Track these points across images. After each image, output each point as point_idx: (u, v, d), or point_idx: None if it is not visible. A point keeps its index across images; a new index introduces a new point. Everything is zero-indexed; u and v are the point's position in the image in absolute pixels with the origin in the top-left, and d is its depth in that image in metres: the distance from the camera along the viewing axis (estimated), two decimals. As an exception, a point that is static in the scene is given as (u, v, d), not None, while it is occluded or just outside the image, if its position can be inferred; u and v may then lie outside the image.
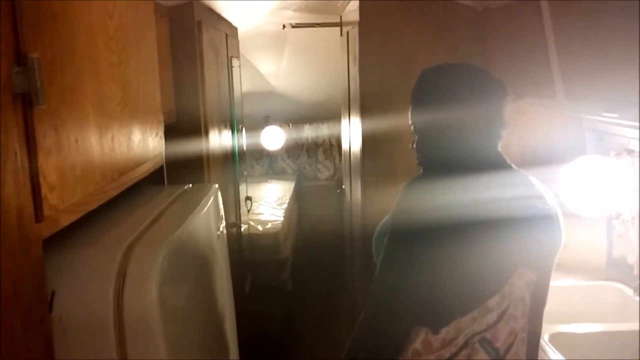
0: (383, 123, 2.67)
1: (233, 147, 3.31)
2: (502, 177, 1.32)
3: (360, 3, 2.63)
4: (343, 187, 4.01)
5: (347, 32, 3.35)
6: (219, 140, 2.81)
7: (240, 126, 3.65)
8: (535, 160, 2.61)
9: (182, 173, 2.44)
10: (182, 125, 2.40)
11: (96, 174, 1.09)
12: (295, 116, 5.62)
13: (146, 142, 1.45)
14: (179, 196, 1.41)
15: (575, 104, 1.85)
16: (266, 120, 5.54)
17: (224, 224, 1.57)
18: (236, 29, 3.70)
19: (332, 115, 4.95)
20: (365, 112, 2.69)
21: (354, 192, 3.08)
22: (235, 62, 3.39)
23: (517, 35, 2.25)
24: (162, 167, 1.66)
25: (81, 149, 1.01)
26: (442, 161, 1.35)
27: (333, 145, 5.73)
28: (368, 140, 2.70)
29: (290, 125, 5.67)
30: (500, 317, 1.20)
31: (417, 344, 1.20)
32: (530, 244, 1.26)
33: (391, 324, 1.21)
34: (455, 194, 1.25)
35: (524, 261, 1.24)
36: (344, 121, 3.74)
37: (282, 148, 5.66)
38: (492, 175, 1.30)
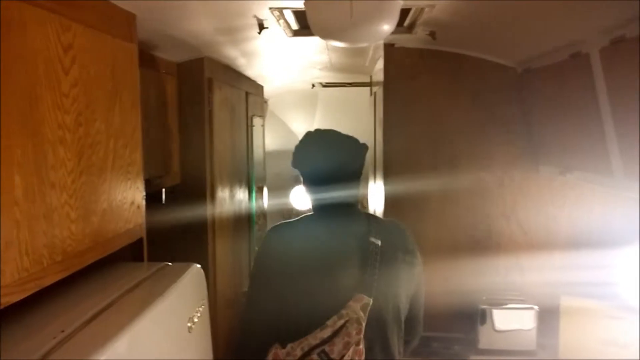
0: (406, 190, 2.42)
1: (250, 208, 3.10)
2: (346, 222, 1.58)
3: (384, 63, 2.44)
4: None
5: (375, 93, 3.16)
6: (230, 202, 2.60)
7: (260, 186, 3.46)
8: (588, 241, 2.28)
9: (184, 239, 2.24)
10: (187, 187, 2.21)
11: (22, 257, 0.87)
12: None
13: (114, 215, 1.24)
14: (144, 280, 1.18)
15: (636, 185, 1.55)
16: (296, 179, 5.35)
17: (204, 309, 1.32)
18: (261, 87, 3.57)
19: (364, 176, 4.72)
20: (388, 177, 2.44)
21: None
22: (257, 120, 3.24)
23: (564, 100, 1.99)
24: (140, 240, 1.44)
25: (4, 226, 0.81)
26: (311, 202, 1.64)
27: (365, 208, 5.47)
28: (390, 207, 2.44)
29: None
30: (335, 334, 1.44)
31: (270, 356, 1.47)
32: (365, 274, 1.49)
33: (252, 343, 1.51)
34: (301, 237, 1.57)
35: (361, 287, 1.47)
36: (372, 183, 3.50)
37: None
38: (337, 220, 1.57)
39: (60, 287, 1.08)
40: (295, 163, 1.62)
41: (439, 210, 2.42)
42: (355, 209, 1.62)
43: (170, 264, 1.36)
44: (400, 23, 2.08)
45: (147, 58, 1.88)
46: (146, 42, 1.82)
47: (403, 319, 1.58)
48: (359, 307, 1.47)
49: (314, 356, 1.44)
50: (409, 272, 1.59)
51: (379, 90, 2.96)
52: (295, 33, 2.16)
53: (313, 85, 4.17)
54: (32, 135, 0.92)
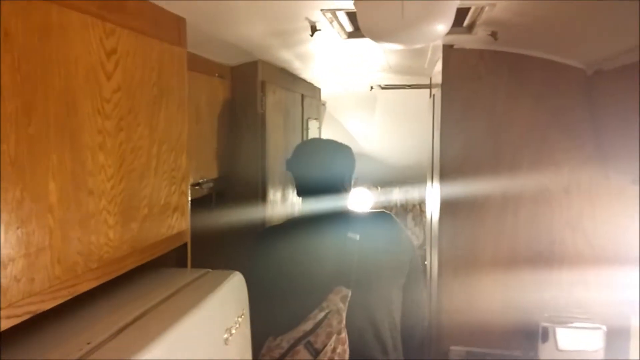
0: (463, 196, 2.31)
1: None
2: (328, 222, 1.73)
3: (443, 64, 2.34)
4: (425, 262, 3.60)
5: (433, 95, 3.05)
6: (282, 205, 2.59)
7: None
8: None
9: (234, 243, 2.24)
10: (238, 190, 2.21)
11: (54, 265, 0.87)
12: (385, 179, 5.34)
13: (156, 221, 1.24)
14: (182, 289, 1.16)
15: None
16: (354, 182, 5.30)
17: (243, 319, 1.29)
18: (318, 89, 3.55)
19: (423, 179, 4.61)
20: (444, 182, 2.34)
21: (432, 271, 2.69)
22: (313, 123, 3.21)
23: (638, 106, 1.83)
24: (185, 245, 1.43)
25: (36, 233, 0.81)
26: (302, 203, 1.83)
27: (423, 212, 5.35)
28: (446, 213, 2.34)
29: (379, 188, 5.39)
30: (317, 325, 1.58)
31: (264, 349, 1.61)
32: (346, 267, 1.64)
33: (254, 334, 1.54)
34: (285, 238, 1.73)
35: (340, 281, 1.62)
36: (429, 188, 3.39)
37: (369, 211, 5.37)
38: (320, 221, 1.74)
39: (99, 292, 1.08)
40: (289, 167, 1.83)
41: (498, 218, 2.29)
42: (340, 209, 1.80)
43: (211, 270, 1.34)
44: (459, 23, 1.98)
45: (199, 62, 1.89)
46: (198, 46, 1.82)
47: (396, 306, 1.71)
48: (338, 299, 1.63)
49: (300, 347, 1.59)
50: (395, 259, 1.74)
51: (437, 92, 2.86)
52: (350, 35, 2.11)
53: (372, 88, 4.10)
54: (70, 141, 0.92)
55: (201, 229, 2.19)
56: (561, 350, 2.17)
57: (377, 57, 2.80)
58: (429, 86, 3.64)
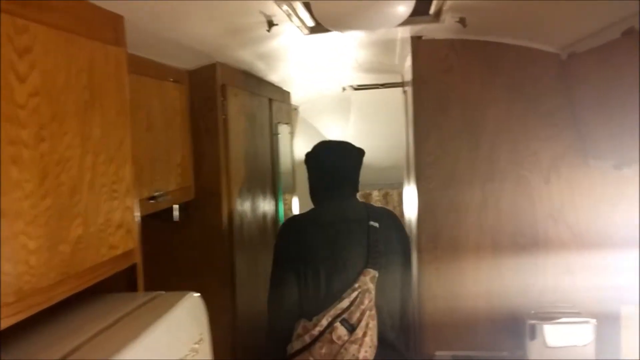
0: (442, 193, 2.20)
1: (277, 220, 2.95)
2: (349, 211, 1.92)
3: (412, 57, 2.24)
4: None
5: (405, 92, 2.95)
6: (253, 215, 2.45)
7: (289, 196, 3.31)
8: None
9: (200, 259, 2.10)
10: (202, 202, 2.07)
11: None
12: (363, 182, 5.21)
13: (93, 241, 1.10)
14: (126, 316, 1.02)
15: None
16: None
17: (201, 345, 1.16)
18: (287, 93, 3.42)
19: (401, 180, 4.50)
20: (421, 180, 2.23)
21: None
22: (283, 128, 3.09)
23: (616, 86, 1.74)
24: (135, 267, 1.29)
25: None
26: (315, 203, 2.01)
27: (402, 214, 5.23)
28: (425, 211, 2.22)
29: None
30: (352, 303, 1.76)
31: (299, 329, 1.78)
32: (372, 251, 1.83)
33: (282, 320, 1.82)
34: (313, 225, 1.89)
35: (369, 263, 1.81)
36: (407, 189, 3.29)
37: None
38: (342, 210, 1.92)
39: (30, 326, 0.94)
40: (309, 162, 2.05)
41: (479, 213, 2.18)
42: (355, 200, 2.01)
43: (164, 293, 1.20)
44: (425, 11, 1.88)
45: (149, 65, 1.75)
46: (147, 48, 1.69)
47: (401, 285, 1.92)
48: (368, 280, 1.81)
49: (337, 324, 1.75)
50: (403, 245, 1.96)
51: (409, 88, 2.76)
52: (313, 30, 1.99)
53: (344, 89, 3.99)
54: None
55: (162, 247, 2.06)
56: (550, 347, 2.06)
57: (345, 55, 2.69)
58: (402, 84, 3.54)
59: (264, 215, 2.67)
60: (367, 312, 1.77)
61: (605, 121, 1.88)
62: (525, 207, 2.16)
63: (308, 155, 2.07)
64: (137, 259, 1.29)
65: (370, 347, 1.77)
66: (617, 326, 2.00)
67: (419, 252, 2.22)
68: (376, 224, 1.88)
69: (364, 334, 1.76)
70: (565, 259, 2.13)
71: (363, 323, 1.76)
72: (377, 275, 1.81)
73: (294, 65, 2.77)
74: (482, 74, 2.17)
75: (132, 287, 1.30)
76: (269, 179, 2.79)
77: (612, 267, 2.08)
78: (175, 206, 2.01)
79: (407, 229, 3.16)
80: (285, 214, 3.09)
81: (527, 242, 2.16)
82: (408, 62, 2.76)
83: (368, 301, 1.78)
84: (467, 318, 2.19)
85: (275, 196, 2.89)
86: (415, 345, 2.31)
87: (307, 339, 1.76)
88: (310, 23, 1.92)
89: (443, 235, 2.20)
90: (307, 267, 1.80)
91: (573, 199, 2.13)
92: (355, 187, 2.03)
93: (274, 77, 2.90)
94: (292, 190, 3.41)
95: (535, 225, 2.15)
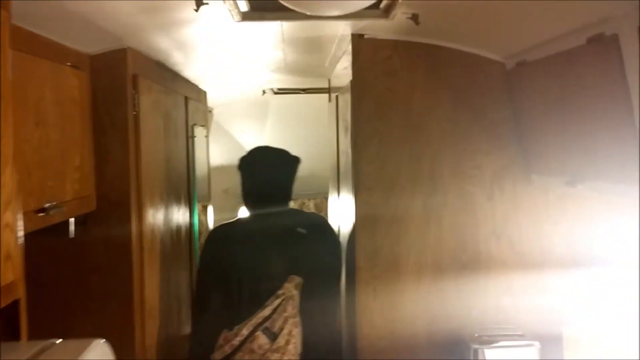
0: (381, 207, 2.01)
1: (192, 231, 2.63)
2: (277, 219, 1.90)
3: (353, 56, 2.04)
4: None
5: (337, 97, 2.76)
6: (166, 227, 2.12)
7: (205, 205, 2.99)
8: (589, 261, 1.94)
9: (101, 281, 1.74)
10: (105, 213, 1.72)
11: None
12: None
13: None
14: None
15: None
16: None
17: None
18: (204, 92, 3.11)
19: (321, 191, 4.30)
20: (360, 193, 2.03)
21: (347, 292, 2.36)
22: (199, 130, 2.77)
23: (574, 97, 1.64)
24: (14, 304, 0.95)
25: None
26: (247, 208, 1.97)
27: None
28: (363, 227, 2.02)
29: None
30: (274, 311, 1.77)
31: (220, 340, 1.79)
32: (297, 257, 1.86)
33: (205, 330, 1.85)
34: (239, 234, 1.90)
35: (293, 270, 1.83)
36: (334, 200, 3.09)
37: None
38: (270, 218, 1.90)
39: None
40: (243, 167, 1.99)
41: (420, 230, 2.02)
42: (286, 207, 1.98)
43: (57, 342, 0.88)
44: (376, 5, 1.68)
45: (42, 43, 1.39)
46: (42, 23, 1.34)
47: (333, 280, 1.97)
48: (292, 287, 1.82)
49: (258, 333, 1.74)
50: (331, 251, 1.99)
51: (342, 93, 2.57)
52: (245, 17, 1.72)
53: (264, 92, 3.73)
54: None
55: (53, 271, 1.68)
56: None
57: (274, 52, 2.44)
58: (328, 90, 3.35)
59: (178, 227, 2.34)
60: (290, 320, 1.79)
61: (556, 135, 1.79)
62: (468, 223, 2.03)
63: (243, 159, 2.03)
64: (20, 293, 0.95)
65: (293, 355, 1.78)
66: (559, 347, 1.91)
67: (357, 270, 2.01)
68: (304, 231, 1.90)
69: (287, 342, 1.77)
70: (506, 278, 2.03)
71: (285, 331, 1.76)
72: (301, 282, 1.83)
73: (215, 60, 2.47)
74: (427, 80, 2.02)
75: (12, 333, 0.96)
76: (184, 186, 2.46)
77: (553, 287, 2.00)
78: (72, 220, 1.64)
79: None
80: (200, 224, 2.77)
81: (469, 260, 2.03)
82: (341, 64, 2.58)
83: (292, 308, 1.79)
84: (407, 342, 2.01)
85: (190, 205, 2.57)
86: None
87: (227, 349, 1.76)
88: (244, 8, 1.66)
89: (383, 253, 2.01)
90: (230, 276, 1.80)
91: (516, 216, 2.03)
92: (288, 195, 2.00)
93: (190, 73, 2.58)
94: (207, 199, 3.09)
95: (477, 243, 2.03)
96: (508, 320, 1.99)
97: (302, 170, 4.53)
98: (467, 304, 2.02)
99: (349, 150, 2.19)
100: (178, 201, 2.36)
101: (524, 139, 2.00)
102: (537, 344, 1.90)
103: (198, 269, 1.90)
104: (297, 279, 1.83)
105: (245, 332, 1.74)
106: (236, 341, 1.74)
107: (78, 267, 1.69)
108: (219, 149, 3.98)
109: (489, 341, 1.89)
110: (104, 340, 0.93)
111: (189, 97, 2.58)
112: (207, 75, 2.78)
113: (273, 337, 1.75)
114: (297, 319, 1.81)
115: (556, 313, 1.96)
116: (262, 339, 1.74)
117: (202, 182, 2.95)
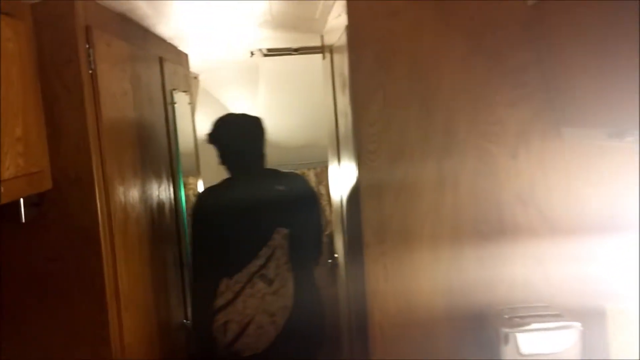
0: (389, 174, 1.74)
1: (180, 208, 2.37)
2: (257, 178, 2.12)
3: (348, 2, 1.73)
4: (335, 255, 3.02)
5: (331, 51, 2.45)
6: (143, 205, 1.85)
7: (192, 180, 2.72)
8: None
9: (61, 271, 1.49)
10: (64, 193, 1.46)
11: None
12: (277, 162, 4.68)
13: None
14: None
15: None
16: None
17: None
18: (185, 54, 2.80)
19: (321, 160, 4.02)
20: (362, 159, 1.75)
21: (353, 264, 2.10)
22: (180, 97, 2.48)
23: (610, 34, 1.35)
24: None
25: None
26: (229, 171, 2.15)
27: (322, 195, 4.77)
28: (369, 197, 1.76)
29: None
30: (268, 260, 1.99)
31: (222, 287, 1.99)
32: (281, 211, 2.06)
33: (206, 281, 2.02)
34: (226, 194, 2.07)
35: (279, 223, 2.04)
36: (334, 168, 2.81)
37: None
38: (251, 178, 2.11)
39: None
40: (213, 140, 2.12)
41: (434, 197, 1.75)
42: (262, 168, 2.14)
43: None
44: None
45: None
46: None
47: (315, 236, 2.22)
48: (281, 237, 2.02)
49: (255, 279, 1.96)
50: (312, 205, 2.22)
51: (337, 45, 2.26)
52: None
53: (252, 54, 3.42)
54: None
55: (4, 261, 1.43)
56: (525, 355, 1.69)
57: (259, 3, 2.13)
58: (321, 48, 3.04)
59: (160, 205, 2.07)
60: (283, 266, 2.01)
61: (594, 79, 1.50)
62: (489, 188, 1.75)
63: (210, 135, 2.14)
64: None
65: (289, 297, 1.99)
66: (602, 327, 1.66)
67: (364, 247, 1.75)
68: (282, 187, 2.09)
69: (282, 286, 1.99)
70: (536, 249, 1.76)
71: (280, 276, 1.99)
72: (288, 233, 2.03)
73: (191, 12, 2.16)
74: (435, 21, 1.72)
75: None
76: (165, 160, 2.19)
77: (591, 257, 1.73)
78: (21, 201, 1.37)
79: (338, 215, 2.73)
80: (188, 201, 2.51)
81: (492, 230, 1.76)
82: (335, 12, 2.27)
83: (282, 255, 2.01)
84: (423, 322, 1.77)
85: (175, 181, 2.30)
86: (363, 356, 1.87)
87: (229, 295, 1.96)
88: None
89: (392, 225, 1.74)
90: (224, 232, 1.98)
91: (545, 178, 1.75)
92: (262, 154, 2.14)
93: (165, 30, 2.28)
94: (195, 173, 2.82)
95: (501, 210, 1.76)
96: (539, 297, 1.74)
97: (299, 138, 4.30)
98: (492, 280, 1.76)
99: (348, 110, 1.90)
100: (158, 176, 2.09)
101: (552, 86, 1.71)
102: (578, 325, 1.64)
103: (192, 229, 2.05)
104: (284, 230, 2.02)
105: (244, 279, 1.96)
106: (237, 287, 1.95)
107: (32, 256, 1.43)
108: (209, 119, 3.69)
109: (521, 323, 1.63)
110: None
111: (165, 57, 2.28)
112: (186, 33, 2.48)
113: (269, 282, 1.97)
114: (289, 265, 2.02)
115: (597, 286, 1.70)
116: (260, 284, 1.96)
117: (189, 154, 2.68)
